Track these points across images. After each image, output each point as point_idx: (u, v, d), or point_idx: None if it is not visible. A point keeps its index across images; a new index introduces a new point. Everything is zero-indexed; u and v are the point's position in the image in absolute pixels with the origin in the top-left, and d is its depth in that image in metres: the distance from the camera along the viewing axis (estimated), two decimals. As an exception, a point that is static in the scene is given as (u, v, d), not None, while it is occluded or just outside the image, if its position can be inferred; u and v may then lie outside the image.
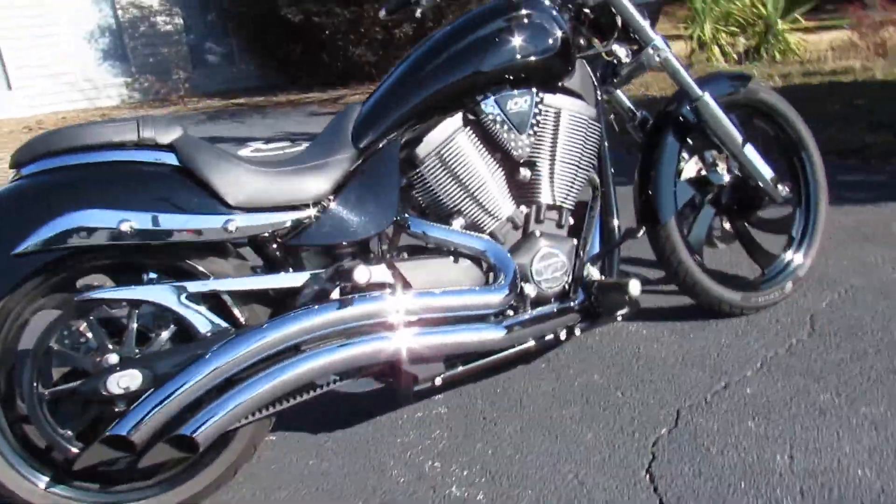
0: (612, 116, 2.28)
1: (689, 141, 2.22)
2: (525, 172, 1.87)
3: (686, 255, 2.16)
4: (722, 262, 2.67)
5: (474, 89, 1.80)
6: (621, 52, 2.05)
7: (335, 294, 1.64)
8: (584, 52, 2.00)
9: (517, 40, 1.80)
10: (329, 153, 1.75)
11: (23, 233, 1.45)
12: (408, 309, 1.65)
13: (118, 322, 1.58)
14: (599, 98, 2.01)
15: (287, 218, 1.66)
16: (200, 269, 1.63)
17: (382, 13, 2.08)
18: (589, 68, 2.02)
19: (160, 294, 1.55)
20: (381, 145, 1.77)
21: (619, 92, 2.25)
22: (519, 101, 1.82)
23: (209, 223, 1.57)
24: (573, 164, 1.90)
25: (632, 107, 2.31)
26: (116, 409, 1.51)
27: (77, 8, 12.82)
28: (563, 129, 1.87)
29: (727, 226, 2.37)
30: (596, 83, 2.02)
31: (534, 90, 1.84)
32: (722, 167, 2.27)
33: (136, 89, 13.50)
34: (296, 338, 1.57)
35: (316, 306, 1.61)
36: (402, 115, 1.78)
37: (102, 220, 1.49)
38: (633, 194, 2.22)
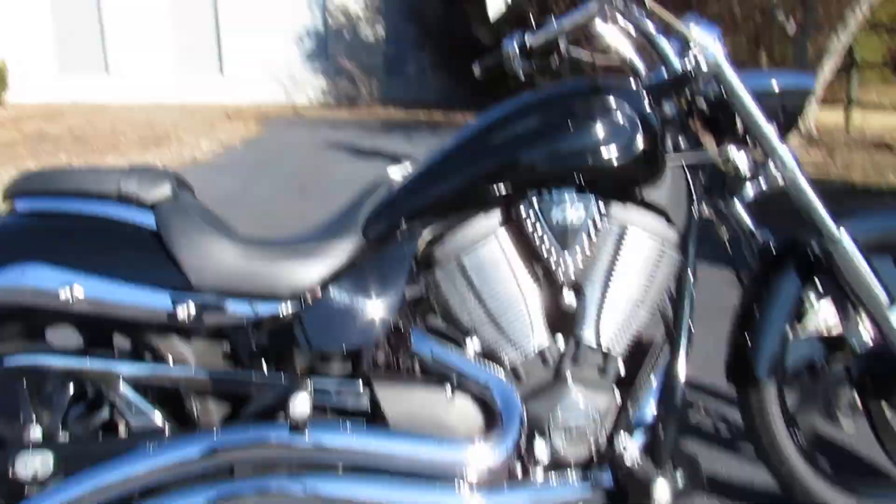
0: (726, 237, 1.77)
1: (820, 283, 1.68)
2: (568, 298, 1.47)
3: (783, 433, 1.63)
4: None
5: (522, 185, 1.44)
6: (741, 159, 1.56)
7: (296, 406, 1.36)
8: (687, 155, 1.54)
9: (590, 135, 1.41)
10: (330, 237, 1.47)
11: None
12: (357, 449, 1.34)
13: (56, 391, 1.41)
14: (697, 215, 1.54)
15: (259, 310, 1.40)
16: (156, 349, 1.42)
17: (477, 71, 1.78)
18: (689, 174, 1.56)
19: (95, 371, 1.36)
20: (394, 237, 1.46)
21: (738, 205, 1.74)
22: (573, 208, 1.43)
23: (161, 303, 1.35)
24: (632, 300, 1.47)
25: (753, 228, 1.77)
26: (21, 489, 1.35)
27: (293, 10, 13.76)
28: (625, 251, 1.45)
29: (855, 400, 1.78)
30: (698, 194, 1.56)
31: (596, 196, 1.44)
32: (867, 326, 1.70)
33: (329, 91, 14.23)
34: (221, 457, 1.31)
35: (252, 425, 1.34)
36: (429, 202, 1.46)
37: (49, 280, 1.33)
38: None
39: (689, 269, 1.50)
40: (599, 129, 1.41)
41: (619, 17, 1.48)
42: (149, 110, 11.86)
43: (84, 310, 1.33)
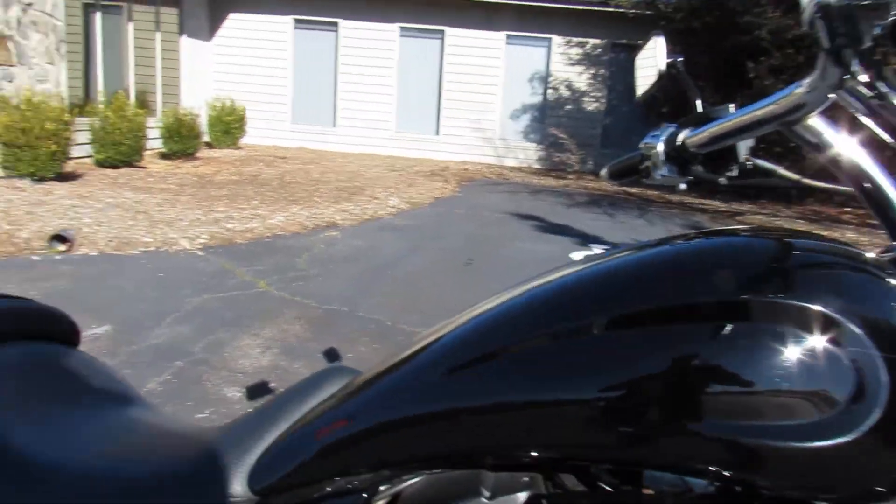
0: None
1: None
2: None
3: None
4: None
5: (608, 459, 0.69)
6: None
7: None
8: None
9: (790, 381, 0.61)
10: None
11: None
12: None
13: None
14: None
15: None
16: None
17: (605, 175, 1.13)
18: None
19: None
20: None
21: None
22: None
23: None
24: None
25: None
26: None
27: (515, 80, 13.67)
28: None
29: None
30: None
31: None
32: None
33: (541, 157, 13.85)
34: None
35: None
36: (415, 450, 0.75)
37: None
38: None
39: None
40: (811, 374, 0.60)
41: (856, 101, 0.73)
42: (363, 160, 12.28)
43: None
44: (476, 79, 13.57)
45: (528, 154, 13.93)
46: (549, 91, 13.77)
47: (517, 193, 9.98)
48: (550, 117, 13.74)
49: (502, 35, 13.45)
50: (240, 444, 0.81)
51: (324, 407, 0.80)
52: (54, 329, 1.08)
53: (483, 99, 13.66)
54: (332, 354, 3.49)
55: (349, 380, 0.85)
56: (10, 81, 7.90)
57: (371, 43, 13.58)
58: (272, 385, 3.02)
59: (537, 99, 13.87)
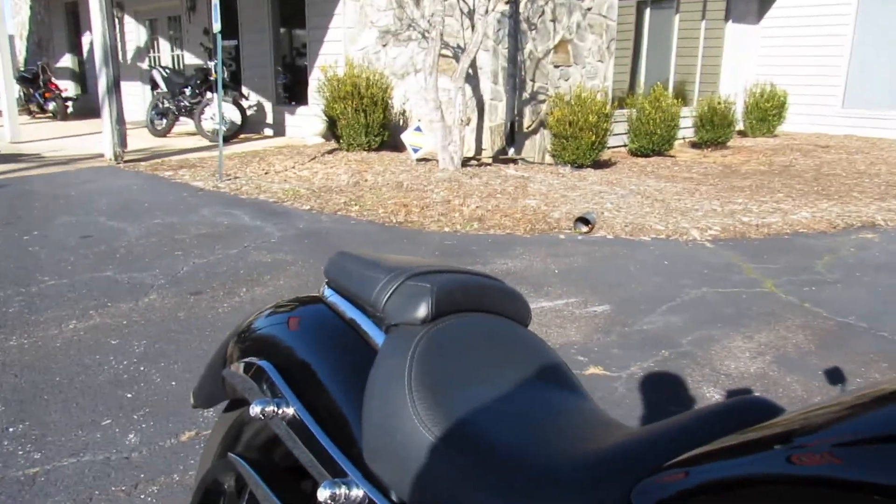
0: None
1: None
2: None
3: None
4: None
5: None
6: None
7: None
8: None
9: None
10: None
11: None
12: None
13: None
14: None
15: None
16: None
17: None
18: None
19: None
20: None
21: None
22: None
23: None
24: None
25: None
26: None
27: None
28: None
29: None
30: None
31: None
32: None
33: None
34: None
35: None
36: None
37: None
38: None
39: None
40: None
41: None
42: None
43: None
44: None
45: None
46: None
47: None
48: None
49: None
50: (643, 455, 0.76)
51: (729, 442, 0.69)
52: (511, 307, 1.18)
53: None
54: (835, 375, 3.01)
55: (768, 418, 0.71)
56: (566, 80, 9.02)
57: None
58: (756, 394, 2.78)
59: None
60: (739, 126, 11.44)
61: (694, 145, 10.45)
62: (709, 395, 2.77)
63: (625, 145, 9.55)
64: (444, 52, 7.95)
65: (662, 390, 2.83)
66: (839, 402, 0.64)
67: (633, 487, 0.72)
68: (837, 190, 7.09)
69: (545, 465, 0.82)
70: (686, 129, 10.43)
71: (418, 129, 7.81)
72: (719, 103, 10.05)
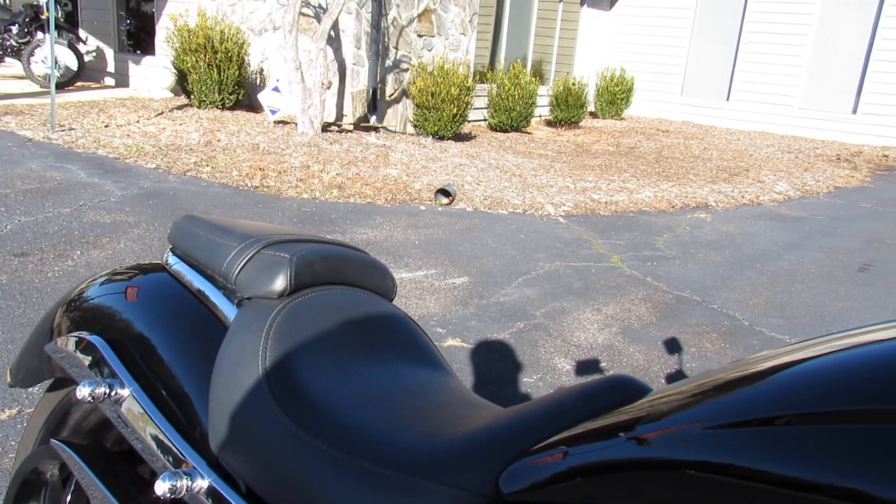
0: None
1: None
2: None
3: None
4: None
5: None
6: None
7: None
8: None
9: None
10: None
11: None
12: None
13: None
14: None
15: None
16: None
17: None
18: None
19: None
20: None
21: None
22: None
23: None
24: None
25: None
26: None
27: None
28: None
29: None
30: None
31: None
32: None
33: None
34: None
35: None
36: None
37: None
38: None
39: None
40: None
41: None
42: (754, 139, 11.20)
43: None
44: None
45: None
46: None
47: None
48: None
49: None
50: (509, 439, 0.72)
51: (598, 424, 0.67)
52: (376, 281, 1.11)
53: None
54: (672, 345, 3.24)
55: (635, 398, 0.70)
56: (429, 51, 8.98)
57: (785, 7, 12.16)
58: (602, 365, 2.92)
59: None
60: (591, 108, 11.98)
61: (549, 123, 10.83)
62: (560, 365, 2.88)
63: (485, 119, 9.71)
64: (305, 10, 7.63)
65: (518, 362, 2.90)
66: (705, 381, 0.63)
67: (500, 472, 0.69)
68: (676, 172, 7.62)
69: (409, 450, 0.77)
70: (542, 107, 10.78)
71: (276, 89, 7.47)
72: (573, 84, 10.45)
